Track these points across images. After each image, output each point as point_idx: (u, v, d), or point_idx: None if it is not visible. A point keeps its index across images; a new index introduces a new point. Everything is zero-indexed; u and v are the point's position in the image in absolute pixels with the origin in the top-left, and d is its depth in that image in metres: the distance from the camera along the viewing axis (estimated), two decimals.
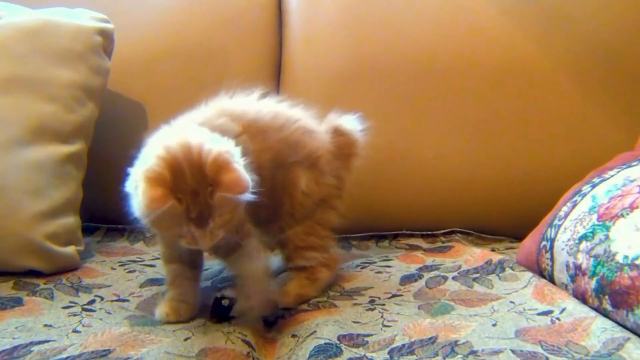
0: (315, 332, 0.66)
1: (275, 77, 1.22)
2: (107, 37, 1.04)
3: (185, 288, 0.73)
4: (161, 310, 0.69)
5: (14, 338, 0.63)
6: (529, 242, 0.88)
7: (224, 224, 0.65)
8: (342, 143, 0.89)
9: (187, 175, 0.63)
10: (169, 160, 0.64)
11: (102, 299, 0.77)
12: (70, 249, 0.89)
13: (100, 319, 0.69)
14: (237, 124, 0.77)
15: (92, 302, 0.75)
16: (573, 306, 0.69)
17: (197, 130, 0.70)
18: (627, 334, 0.61)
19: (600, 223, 0.73)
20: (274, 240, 0.85)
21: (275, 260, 0.90)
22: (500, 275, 0.83)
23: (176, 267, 0.75)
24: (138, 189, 0.64)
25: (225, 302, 0.70)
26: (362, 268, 0.93)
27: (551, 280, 0.79)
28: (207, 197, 0.63)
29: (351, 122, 0.91)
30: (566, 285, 0.75)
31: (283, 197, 0.83)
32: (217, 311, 0.70)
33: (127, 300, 0.77)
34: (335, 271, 0.86)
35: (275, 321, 0.74)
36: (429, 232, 1.10)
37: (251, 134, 0.77)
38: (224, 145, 0.66)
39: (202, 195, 0.63)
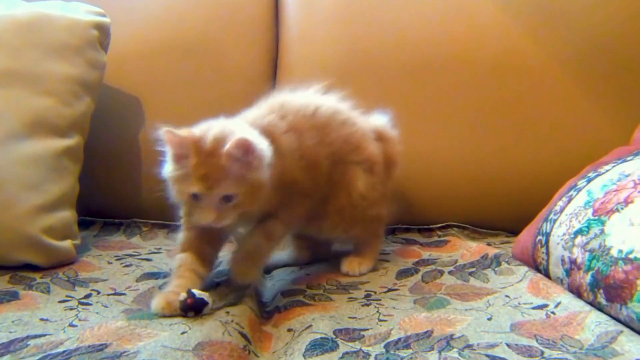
0: (311, 326, 0.66)
1: (271, 73, 1.22)
2: (103, 31, 1.04)
3: (187, 280, 0.73)
4: (157, 303, 0.69)
5: (10, 332, 0.63)
6: (525, 236, 0.88)
7: (229, 201, 0.70)
8: (386, 151, 0.92)
9: (210, 140, 0.70)
10: (198, 133, 0.71)
11: (98, 293, 0.77)
12: (67, 243, 0.89)
13: (97, 313, 0.69)
14: (288, 120, 0.80)
15: (88, 296, 0.76)
16: (568, 300, 0.69)
17: (240, 125, 0.75)
18: (620, 327, 0.61)
19: (596, 217, 0.73)
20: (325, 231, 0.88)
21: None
22: (496, 269, 0.84)
23: (186, 257, 0.76)
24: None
25: (182, 296, 0.67)
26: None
27: (546, 274, 0.80)
28: (218, 158, 0.68)
29: (390, 126, 0.94)
30: (561, 280, 0.76)
31: (338, 194, 0.86)
32: (182, 307, 0.67)
33: (124, 294, 0.77)
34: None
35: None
36: (425, 227, 1.11)
37: (306, 129, 0.81)
38: (255, 136, 0.72)
39: (216, 157, 0.69)
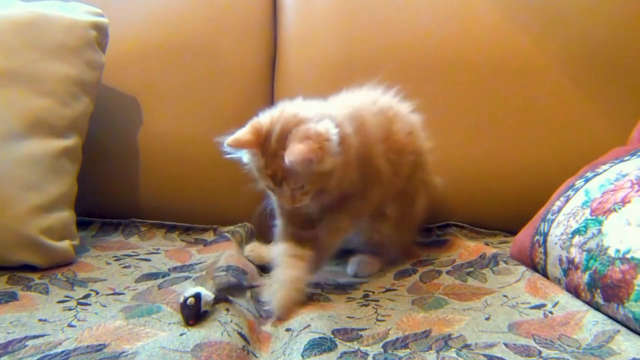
0: (309, 325, 0.66)
1: (269, 73, 1.22)
2: (101, 31, 1.04)
3: (295, 270, 0.77)
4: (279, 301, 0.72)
5: (8, 333, 0.63)
6: (523, 236, 0.88)
7: (301, 189, 0.75)
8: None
9: (274, 139, 0.74)
10: (269, 122, 0.76)
11: (97, 293, 0.77)
12: (65, 244, 0.89)
13: (96, 313, 0.70)
14: (380, 106, 0.87)
15: (87, 296, 0.76)
16: (566, 300, 0.69)
17: (310, 116, 0.76)
18: (617, 327, 0.61)
19: (593, 217, 0.73)
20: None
21: None
22: (494, 269, 0.84)
23: (286, 247, 0.81)
24: None
25: (190, 302, 0.67)
26: None
27: (544, 274, 0.80)
28: (280, 160, 0.71)
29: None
30: (559, 279, 0.76)
31: (402, 201, 0.91)
32: (186, 314, 0.67)
33: (123, 294, 0.77)
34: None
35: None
36: (424, 226, 1.11)
37: (398, 119, 0.88)
38: (323, 125, 0.73)
39: (279, 157, 0.72)
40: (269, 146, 0.75)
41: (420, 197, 0.94)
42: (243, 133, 0.76)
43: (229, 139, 0.75)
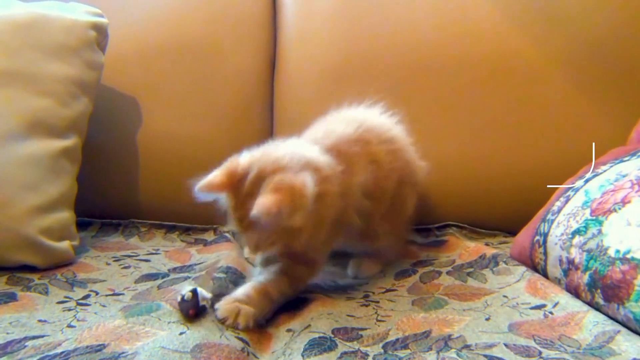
0: (310, 325, 0.66)
1: (269, 74, 1.22)
2: (101, 31, 1.04)
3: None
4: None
5: (7, 333, 0.63)
6: (523, 236, 0.88)
7: (267, 239, 0.70)
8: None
9: (248, 182, 0.70)
10: (247, 163, 0.71)
11: (97, 293, 0.77)
12: (65, 244, 0.89)
13: (95, 313, 0.69)
14: (369, 149, 0.82)
15: (86, 297, 0.76)
16: (566, 300, 0.69)
17: (305, 155, 0.73)
18: (618, 327, 0.61)
19: (593, 218, 0.73)
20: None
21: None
22: (494, 269, 0.84)
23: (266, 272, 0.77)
24: None
25: (188, 297, 0.67)
26: None
27: (544, 274, 0.80)
28: (249, 207, 0.66)
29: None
30: (559, 280, 0.76)
31: (392, 213, 0.88)
32: (184, 307, 0.67)
33: (122, 294, 0.77)
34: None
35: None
36: (423, 226, 1.11)
37: (384, 155, 0.84)
38: (301, 178, 0.68)
39: (249, 204, 0.67)
40: (242, 189, 0.70)
41: (409, 200, 0.93)
42: (215, 176, 0.71)
43: (200, 183, 0.70)
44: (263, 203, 0.65)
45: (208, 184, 0.70)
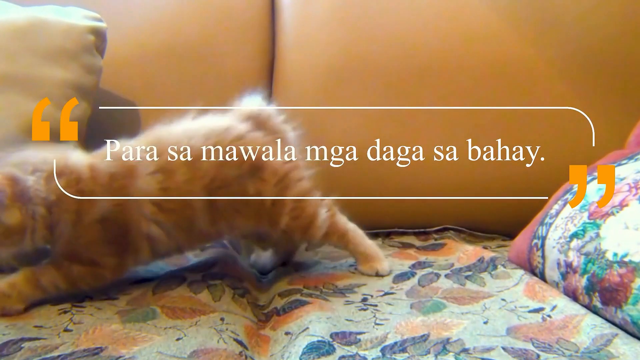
0: (307, 328, 0.66)
1: (268, 77, 1.22)
2: (99, 35, 1.04)
3: None
4: None
5: (3, 334, 0.62)
6: (521, 240, 0.88)
7: None
8: (273, 129, 0.87)
9: None
10: None
11: (91, 298, 0.76)
12: None
13: (91, 314, 0.69)
14: (159, 161, 0.77)
15: (82, 300, 0.75)
16: (564, 303, 0.69)
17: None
18: (616, 330, 0.61)
19: (591, 221, 0.73)
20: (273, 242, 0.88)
21: None
22: (492, 272, 0.84)
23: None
24: None
25: None
26: (355, 267, 0.93)
27: (542, 278, 0.80)
28: None
29: (258, 101, 0.89)
30: (557, 283, 0.76)
31: (251, 213, 0.82)
32: None
33: (117, 299, 0.76)
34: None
35: None
36: (422, 230, 1.11)
37: (178, 166, 0.77)
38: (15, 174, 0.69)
39: None
40: None
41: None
42: None
43: None
44: None
45: None
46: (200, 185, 0.78)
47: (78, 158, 0.75)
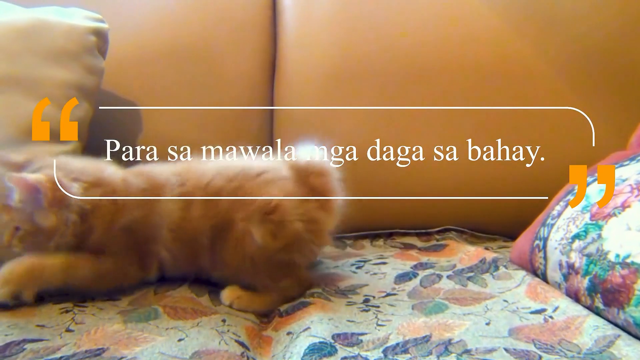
0: (309, 328, 0.66)
1: (269, 78, 1.22)
2: (101, 36, 1.04)
3: None
4: None
5: (6, 335, 0.62)
6: (522, 241, 0.88)
7: (20, 234, 0.72)
8: (316, 184, 0.82)
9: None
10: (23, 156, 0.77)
11: (93, 299, 0.76)
12: None
13: (93, 315, 0.69)
14: (185, 188, 0.79)
15: (84, 300, 0.75)
16: (566, 304, 0.69)
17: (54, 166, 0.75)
18: (618, 332, 0.61)
19: (593, 222, 0.73)
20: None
21: None
22: (494, 274, 0.84)
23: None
24: None
25: None
26: (357, 267, 0.93)
27: (544, 279, 0.80)
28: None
29: (316, 154, 0.84)
30: (559, 284, 0.76)
31: (234, 254, 0.78)
32: None
33: (119, 299, 0.76)
34: (307, 285, 0.82)
35: None
36: (424, 231, 1.11)
37: (197, 199, 0.78)
38: (65, 180, 0.72)
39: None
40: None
41: (249, 239, 0.77)
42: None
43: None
44: (19, 178, 0.69)
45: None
46: (209, 225, 0.78)
47: (113, 171, 0.79)
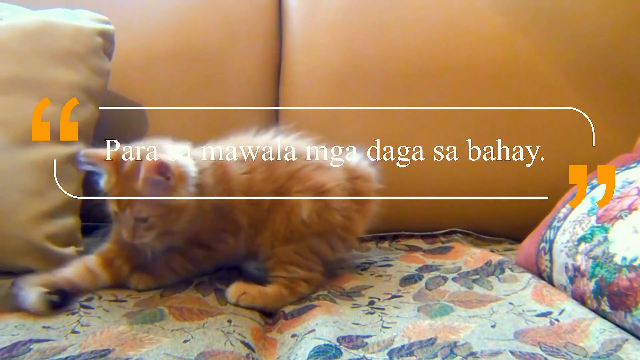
0: (314, 330, 0.66)
1: (275, 80, 1.22)
2: (107, 38, 1.04)
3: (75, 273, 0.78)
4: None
5: (12, 335, 0.63)
6: (528, 243, 0.88)
7: (145, 222, 0.74)
8: (360, 187, 0.89)
9: (130, 161, 0.73)
10: (130, 147, 0.76)
11: (100, 297, 0.76)
12: (70, 250, 0.89)
13: (99, 317, 0.69)
14: (248, 162, 0.83)
15: (90, 299, 0.75)
16: (572, 307, 0.69)
17: (166, 147, 0.79)
18: (626, 335, 0.61)
19: (599, 225, 0.73)
20: (261, 253, 0.85)
21: None
22: (500, 276, 0.84)
23: (94, 258, 0.81)
24: None
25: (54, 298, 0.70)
26: (362, 269, 0.93)
27: (550, 281, 0.79)
28: (134, 181, 0.71)
29: (364, 160, 0.92)
30: (565, 287, 0.75)
31: (275, 220, 0.82)
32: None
33: (125, 301, 0.76)
34: (314, 288, 0.84)
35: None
36: (429, 233, 1.10)
37: (258, 165, 0.83)
38: (181, 159, 0.76)
39: (131, 179, 0.72)
40: (122, 166, 0.74)
41: (298, 210, 0.82)
42: (102, 149, 0.75)
43: (86, 150, 0.77)
44: (150, 163, 0.70)
45: (93, 153, 0.76)
46: (270, 188, 0.82)
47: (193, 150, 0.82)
